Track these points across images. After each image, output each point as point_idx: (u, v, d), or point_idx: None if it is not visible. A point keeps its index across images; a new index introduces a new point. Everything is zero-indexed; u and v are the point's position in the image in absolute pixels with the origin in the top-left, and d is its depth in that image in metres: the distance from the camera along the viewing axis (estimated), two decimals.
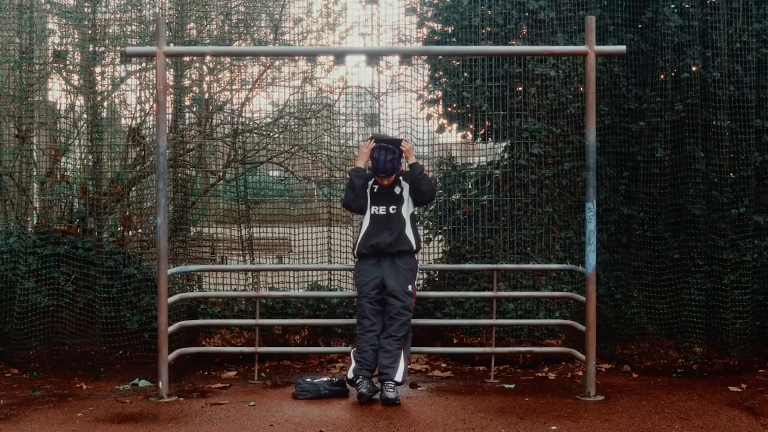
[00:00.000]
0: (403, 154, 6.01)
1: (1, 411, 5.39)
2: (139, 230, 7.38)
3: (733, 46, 6.64)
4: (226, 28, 7.59)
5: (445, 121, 7.09)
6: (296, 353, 6.86)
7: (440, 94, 7.09)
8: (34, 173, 7.18)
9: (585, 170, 5.78)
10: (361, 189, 5.99)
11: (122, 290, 6.62)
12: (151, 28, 7.00)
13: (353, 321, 6.67)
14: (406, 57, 6.44)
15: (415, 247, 5.99)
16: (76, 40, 7.14)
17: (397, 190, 6.02)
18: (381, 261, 5.91)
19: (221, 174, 7.66)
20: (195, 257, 7.24)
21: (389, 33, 7.27)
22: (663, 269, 6.71)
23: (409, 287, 5.88)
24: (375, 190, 6.02)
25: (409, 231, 5.96)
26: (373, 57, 6.48)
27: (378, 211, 6.00)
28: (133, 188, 7.30)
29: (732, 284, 6.56)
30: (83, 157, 7.19)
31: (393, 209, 5.97)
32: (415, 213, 6.25)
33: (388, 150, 5.95)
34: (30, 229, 6.98)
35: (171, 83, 6.99)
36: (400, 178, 6.08)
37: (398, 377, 5.62)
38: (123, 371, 6.48)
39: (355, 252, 6.10)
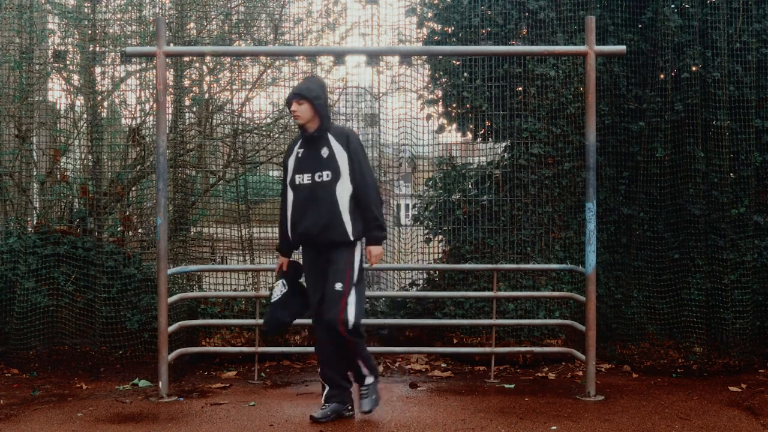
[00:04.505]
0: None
1: (1, 411, 5.39)
2: (139, 230, 7.38)
3: (733, 46, 6.65)
4: (226, 28, 7.59)
5: (445, 121, 7.10)
6: (296, 353, 6.86)
7: (440, 94, 7.09)
8: (34, 173, 7.18)
9: (585, 170, 5.78)
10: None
11: (122, 290, 6.62)
12: (151, 28, 7.00)
13: None
14: (406, 57, 6.45)
15: (352, 237, 4.80)
16: (76, 40, 7.14)
17: (325, 152, 4.82)
18: (317, 255, 4.91)
19: (221, 174, 7.66)
20: (195, 257, 7.24)
21: (389, 33, 7.28)
22: (663, 269, 6.72)
23: (340, 285, 4.76)
24: (300, 154, 4.89)
25: (346, 215, 4.76)
26: (373, 57, 6.48)
27: (302, 180, 4.81)
28: (133, 188, 7.30)
29: (732, 284, 6.56)
30: (83, 157, 7.19)
31: (320, 178, 4.76)
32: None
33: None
34: (30, 229, 6.98)
35: (171, 83, 6.99)
36: (330, 135, 4.86)
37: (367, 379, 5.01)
38: (123, 371, 6.48)
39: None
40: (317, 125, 4.83)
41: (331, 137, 4.81)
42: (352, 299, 4.75)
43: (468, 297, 6.67)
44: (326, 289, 4.76)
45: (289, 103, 4.85)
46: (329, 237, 4.75)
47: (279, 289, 5.04)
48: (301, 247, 5.00)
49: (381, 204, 4.89)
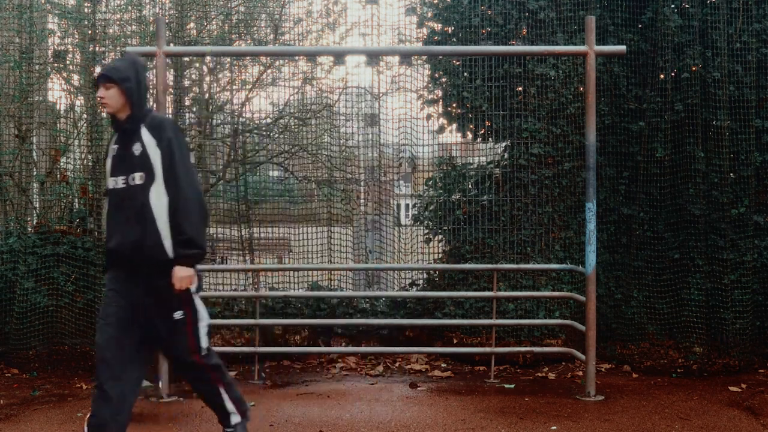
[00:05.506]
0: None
1: (1, 411, 5.39)
2: None
3: (733, 46, 6.65)
4: (226, 28, 7.59)
5: (445, 121, 7.10)
6: (296, 353, 6.86)
7: (440, 94, 7.09)
8: (34, 173, 7.18)
9: (585, 170, 5.78)
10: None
11: None
12: (151, 28, 7.00)
13: (353, 321, 6.69)
14: (406, 57, 6.45)
15: (171, 254, 3.79)
16: (76, 40, 7.14)
17: (137, 148, 3.83)
18: (133, 283, 3.86)
19: (221, 174, 7.66)
20: None
21: (389, 33, 7.28)
22: (663, 269, 6.72)
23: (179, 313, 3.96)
24: (115, 152, 3.91)
25: (162, 225, 3.79)
26: (373, 57, 6.48)
27: (116, 183, 3.85)
28: None
29: (732, 284, 6.56)
30: (83, 157, 7.19)
31: (133, 181, 3.82)
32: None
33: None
34: (30, 229, 6.98)
35: (171, 83, 6.99)
36: (143, 127, 3.86)
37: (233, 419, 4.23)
38: None
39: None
40: (128, 115, 3.87)
41: (144, 130, 3.84)
42: (200, 324, 4.15)
43: (468, 297, 6.67)
44: (161, 322, 3.92)
45: (97, 86, 3.90)
46: (145, 256, 3.77)
47: None
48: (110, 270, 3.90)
49: (201, 214, 3.83)
